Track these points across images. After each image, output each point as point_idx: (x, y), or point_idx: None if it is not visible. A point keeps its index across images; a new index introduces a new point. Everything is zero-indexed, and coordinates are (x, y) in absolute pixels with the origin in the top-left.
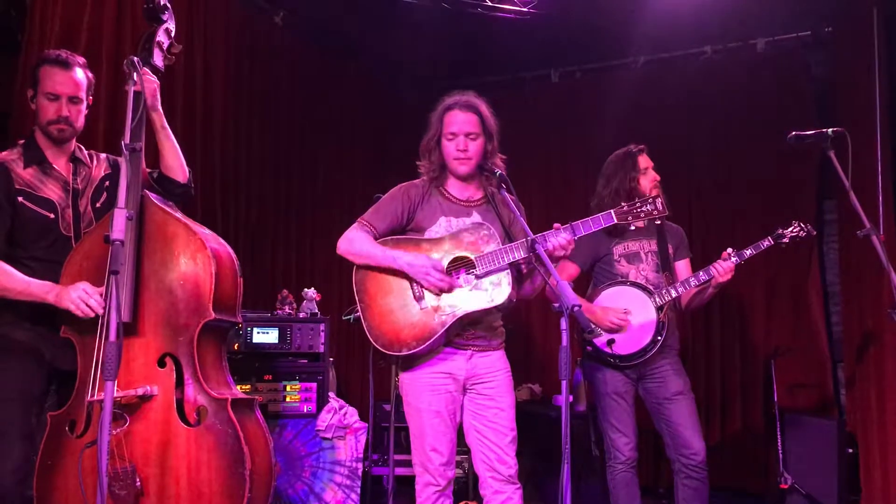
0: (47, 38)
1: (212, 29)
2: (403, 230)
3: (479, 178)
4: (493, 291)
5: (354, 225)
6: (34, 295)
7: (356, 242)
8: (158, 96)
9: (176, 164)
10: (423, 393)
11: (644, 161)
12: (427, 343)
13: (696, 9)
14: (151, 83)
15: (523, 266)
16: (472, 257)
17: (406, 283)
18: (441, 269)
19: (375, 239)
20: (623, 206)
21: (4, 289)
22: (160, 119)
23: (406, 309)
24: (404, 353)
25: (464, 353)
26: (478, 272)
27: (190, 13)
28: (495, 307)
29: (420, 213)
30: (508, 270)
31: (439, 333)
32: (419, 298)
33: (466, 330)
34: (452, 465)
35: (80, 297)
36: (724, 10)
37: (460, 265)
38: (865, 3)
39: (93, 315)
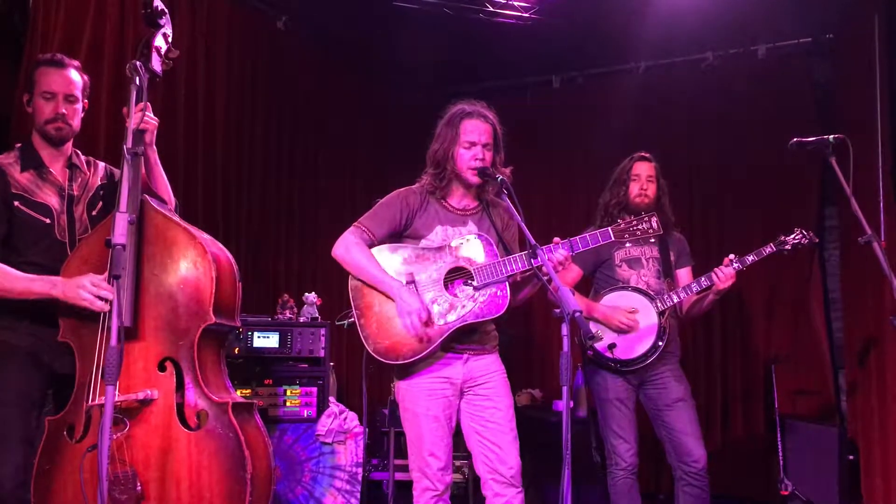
0: (50, 43)
1: (214, 32)
2: (400, 235)
3: (476, 186)
4: (490, 304)
5: (351, 229)
6: (37, 293)
7: (352, 251)
8: (155, 134)
9: (166, 199)
10: (420, 398)
11: (638, 167)
12: (422, 354)
13: (698, 15)
14: (151, 122)
15: (519, 275)
16: (471, 269)
17: None
18: (422, 318)
19: (372, 244)
20: (620, 224)
21: (5, 290)
22: (155, 156)
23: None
24: (399, 362)
25: (459, 357)
26: (476, 284)
27: (192, 17)
28: (492, 319)
29: (418, 221)
30: (506, 282)
31: (435, 344)
32: None
33: (462, 336)
34: (450, 470)
35: (92, 291)
36: (725, 17)
37: (458, 276)
38: (866, 9)
39: (108, 309)
